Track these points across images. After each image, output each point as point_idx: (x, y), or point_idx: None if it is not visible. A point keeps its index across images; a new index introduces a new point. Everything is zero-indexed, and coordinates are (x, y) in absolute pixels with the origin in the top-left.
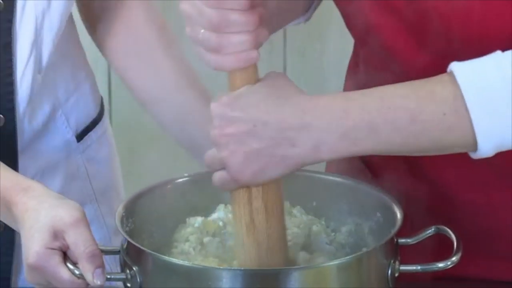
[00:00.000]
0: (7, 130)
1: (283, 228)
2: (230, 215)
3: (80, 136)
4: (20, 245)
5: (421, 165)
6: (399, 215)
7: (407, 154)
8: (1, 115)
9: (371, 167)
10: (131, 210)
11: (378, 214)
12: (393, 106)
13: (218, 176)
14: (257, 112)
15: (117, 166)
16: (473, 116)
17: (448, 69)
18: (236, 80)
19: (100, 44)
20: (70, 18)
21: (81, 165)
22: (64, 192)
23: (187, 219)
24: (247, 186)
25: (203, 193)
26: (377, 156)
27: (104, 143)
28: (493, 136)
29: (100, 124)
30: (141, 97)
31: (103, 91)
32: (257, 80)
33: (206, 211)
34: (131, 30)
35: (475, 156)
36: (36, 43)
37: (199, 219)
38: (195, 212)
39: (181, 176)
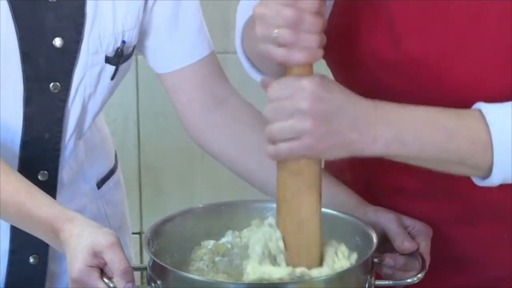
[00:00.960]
0: (49, 185)
1: None
2: (238, 239)
3: (100, 184)
4: (50, 277)
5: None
6: (374, 239)
7: (435, 168)
8: (46, 172)
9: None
10: (156, 234)
11: (357, 238)
12: (436, 122)
13: (288, 145)
14: (341, 97)
15: (127, 208)
16: (495, 152)
17: (474, 107)
18: (295, 70)
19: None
20: None
21: (101, 207)
22: None
23: (201, 242)
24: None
25: (215, 221)
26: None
27: (118, 189)
28: (506, 171)
29: (116, 173)
30: (225, 162)
31: (133, 138)
32: None
33: (217, 236)
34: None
35: (481, 183)
36: (80, 120)
37: (211, 242)
38: (208, 236)
39: (197, 207)
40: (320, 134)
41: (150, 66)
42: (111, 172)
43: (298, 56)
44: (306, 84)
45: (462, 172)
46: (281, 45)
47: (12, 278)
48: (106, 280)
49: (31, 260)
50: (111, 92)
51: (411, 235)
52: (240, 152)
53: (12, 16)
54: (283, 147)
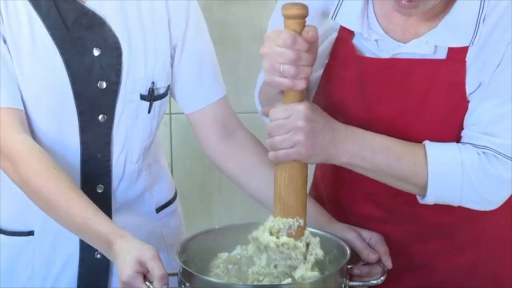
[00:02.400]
0: (105, 196)
1: None
2: (245, 252)
3: (159, 210)
4: (113, 275)
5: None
6: (348, 251)
7: (383, 181)
8: (102, 185)
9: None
10: (184, 248)
11: (335, 251)
12: (389, 146)
13: (285, 152)
14: (324, 119)
15: (183, 232)
16: (430, 175)
17: (423, 143)
18: (290, 97)
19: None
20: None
21: (158, 228)
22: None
23: (218, 254)
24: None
25: (228, 238)
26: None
27: (175, 216)
28: (437, 192)
29: (173, 204)
30: (233, 179)
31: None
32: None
33: (229, 249)
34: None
35: (422, 201)
36: (126, 144)
37: (225, 254)
38: (223, 250)
39: (214, 228)
40: (309, 145)
41: (181, 122)
42: (169, 202)
43: (300, 84)
44: (301, 107)
45: (405, 189)
46: (284, 76)
47: (83, 270)
48: (147, 283)
49: (98, 256)
50: (151, 125)
51: (371, 244)
52: (244, 172)
53: (65, 66)
54: (281, 153)
